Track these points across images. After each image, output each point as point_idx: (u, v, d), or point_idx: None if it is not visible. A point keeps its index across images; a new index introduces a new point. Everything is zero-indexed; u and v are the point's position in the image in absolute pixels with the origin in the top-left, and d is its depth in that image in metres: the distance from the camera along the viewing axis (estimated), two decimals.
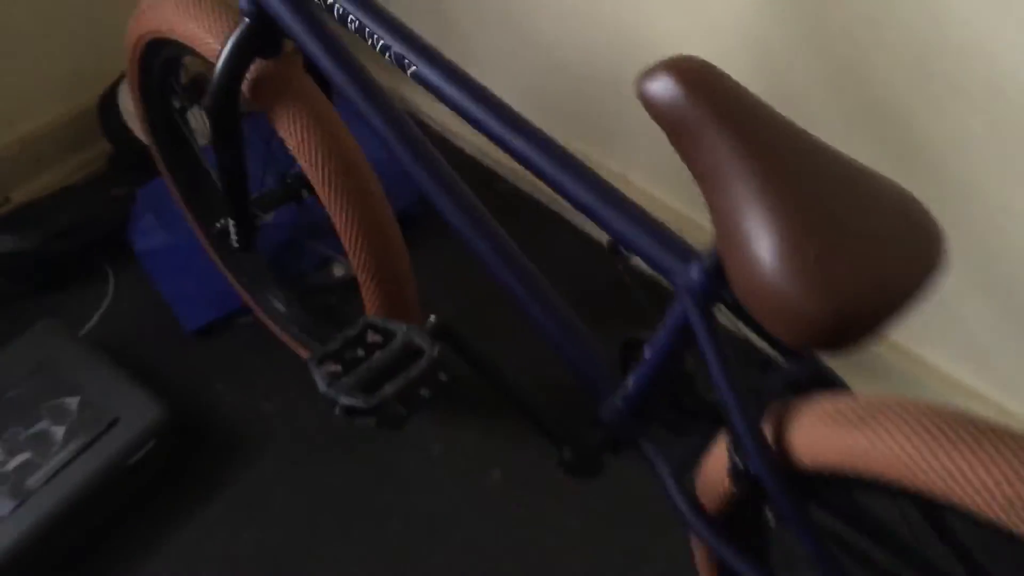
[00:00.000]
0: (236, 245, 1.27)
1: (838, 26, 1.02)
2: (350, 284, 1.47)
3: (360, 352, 0.91)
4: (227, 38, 1.04)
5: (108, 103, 1.69)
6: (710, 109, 0.64)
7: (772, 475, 0.75)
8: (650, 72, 0.65)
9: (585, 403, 0.95)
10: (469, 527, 1.28)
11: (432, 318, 0.91)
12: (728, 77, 0.65)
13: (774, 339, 0.81)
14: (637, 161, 1.16)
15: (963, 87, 0.95)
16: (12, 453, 1.30)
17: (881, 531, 0.84)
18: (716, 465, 0.84)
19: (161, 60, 1.26)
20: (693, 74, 0.65)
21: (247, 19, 1.01)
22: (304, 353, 1.44)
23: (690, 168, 0.66)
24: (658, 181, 1.10)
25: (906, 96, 1.02)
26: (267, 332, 1.49)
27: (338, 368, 0.90)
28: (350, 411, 0.86)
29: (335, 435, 1.39)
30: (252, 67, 1.06)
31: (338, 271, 1.53)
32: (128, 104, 1.67)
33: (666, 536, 1.22)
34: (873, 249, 0.63)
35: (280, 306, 1.46)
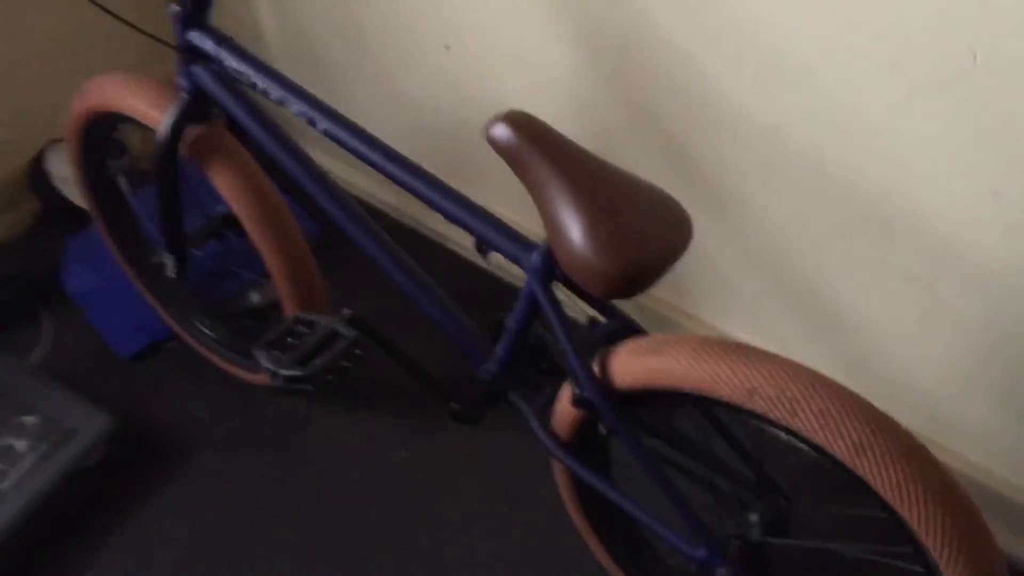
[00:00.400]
0: (173, 275, 1.53)
1: (635, 83, 1.38)
2: (264, 310, 1.76)
3: (292, 340, 1.20)
4: (167, 110, 1.32)
5: (36, 168, 1.92)
6: (533, 146, 0.96)
7: (599, 396, 1.07)
8: (492, 122, 0.97)
9: (465, 368, 1.26)
10: (383, 498, 1.55)
11: (345, 310, 1.21)
12: (544, 123, 0.98)
13: (594, 302, 1.14)
14: (491, 187, 1.48)
15: (721, 123, 1.31)
16: None
17: (682, 439, 1.18)
18: (564, 403, 1.16)
19: (99, 130, 1.52)
20: (520, 122, 0.97)
21: (185, 94, 1.29)
22: (230, 369, 1.70)
23: (525, 186, 0.98)
24: (507, 200, 1.42)
25: (685, 131, 1.37)
26: (193, 352, 1.74)
27: (278, 352, 1.18)
28: (290, 380, 1.15)
29: (260, 435, 1.65)
30: (187, 130, 1.34)
31: (255, 298, 1.80)
32: (56, 168, 1.91)
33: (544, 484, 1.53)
34: (645, 228, 0.96)
35: (206, 330, 1.71)
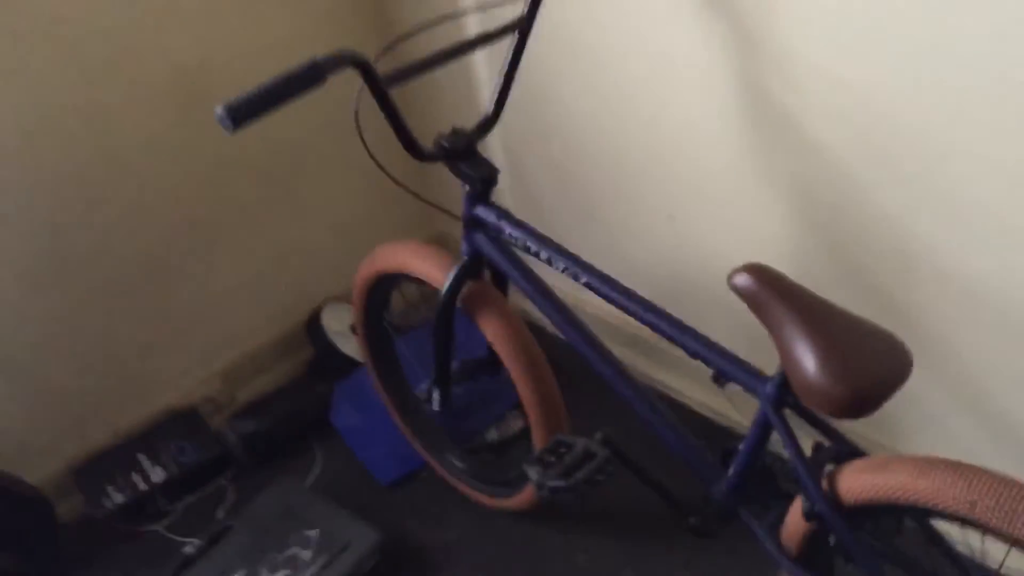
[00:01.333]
0: (438, 407, 1.78)
1: (839, 240, 1.57)
2: (500, 445, 1.99)
3: (554, 458, 1.41)
4: (448, 270, 1.60)
5: (314, 322, 2.28)
6: (772, 290, 1.17)
7: (829, 509, 1.22)
8: (735, 273, 1.19)
9: (699, 488, 1.44)
10: None
11: (598, 434, 1.42)
12: (778, 272, 1.18)
13: (820, 427, 1.30)
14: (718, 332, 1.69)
15: (921, 281, 1.48)
16: (274, 570, 1.78)
17: (907, 560, 1.30)
18: (795, 517, 1.31)
19: (382, 289, 1.84)
20: (759, 271, 1.18)
21: (466, 257, 1.58)
22: (475, 496, 1.92)
23: (764, 324, 1.18)
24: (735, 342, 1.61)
25: (887, 281, 1.54)
26: (442, 481, 1.98)
27: (542, 468, 1.40)
28: (555, 490, 1.35)
29: (502, 558, 1.84)
30: (464, 287, 1.62)
31: (492, 435, 2.03)
32: (330, 323, 2.26)
33: None
34: (871, 360, 1.13)
35: (455, 461, 1.96)
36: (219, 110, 1.11)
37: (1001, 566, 1.20)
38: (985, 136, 1.28)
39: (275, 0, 2.02)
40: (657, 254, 1.94)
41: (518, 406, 2.03)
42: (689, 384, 2.02)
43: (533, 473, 1.39)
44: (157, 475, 2.03)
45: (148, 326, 2.09)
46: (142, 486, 2.01)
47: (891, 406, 1.50)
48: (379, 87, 1.27)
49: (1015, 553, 1.14)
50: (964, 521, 1.12)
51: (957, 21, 1.22)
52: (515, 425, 2.06)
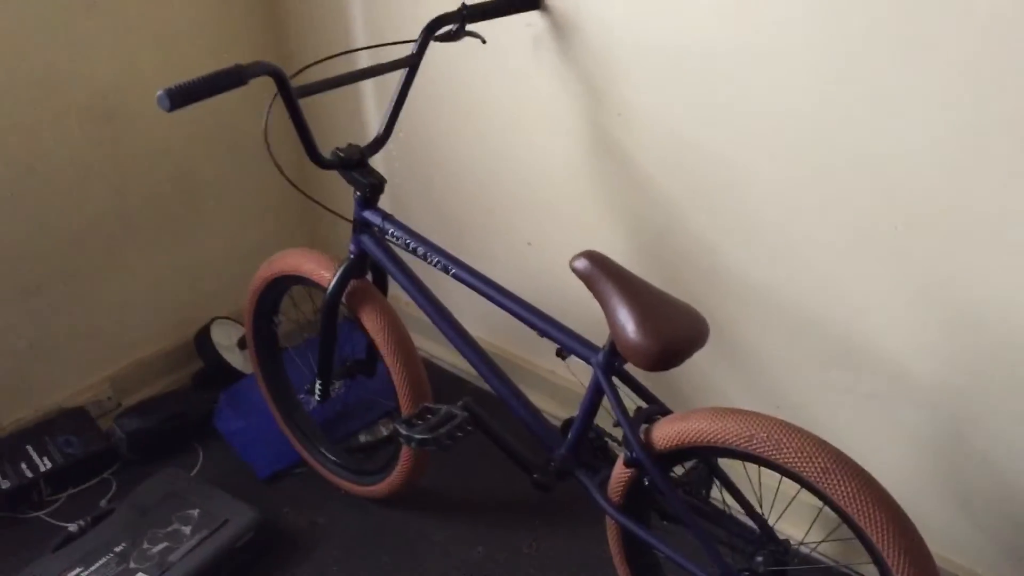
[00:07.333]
0: (318, 399, 1.95)
1: (663, 256, 1.86)
2: (368, 447, 2.16)
3: (420, 421, 1.61)
4: (335, 270, 1.80)
5: (203, 337, 2.41)
6: (602, 270, 1.42)
7: (645, 454, 1.45)
8: (575, 258, 1.44)
9: (542, 452, 1.66)
10: None
11: (461, 401, 1.63)
12: (609, 258, 1.44)
13: (641, 393, 1.55)
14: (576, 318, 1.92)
15: (724, 286, 1.77)
16: (155, 543, 1.87)
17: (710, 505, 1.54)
18: (618, 468, 1.54)
19: (272, 294, 2.02)
20: (594, 256, 1.43)
21: (352, 256, 1.79)
22: (345, 485, 2.08)
23: (596, 298, 1.43)
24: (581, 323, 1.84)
25: (699, 287, 1.83)
26: (316, 476, 2.13)
27: (409, 426, 1.59)
28: (422, 442, 1.55)
29: (367, 536, 1.99)
30: (348, 285, 1.82)
31: (363, 438, 2.20)
32: (219, 338, 2.40)
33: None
34: (678, 325, 1.39)
35: (329, 455, 2.11)
36: (160, 92, 1.31)
37: (776, 493, 1.45)
38: (774, 165, 1.60)
39: (186, 29, 2.23)
40: (519, 275, 2.19)
41: (387, 415, 2.24)
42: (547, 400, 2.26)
43: (403, 429, 1.58)
44: (43, 464, 2.10)
45: (43, 328, 2.18)
46: (28, 474, 2.08)
47: (692, 381, 1.80)
48: (291, 96, 1.49)
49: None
50: (745, 456, 1.38)
51: (745, 75, 1.55)
52: (383, 431, 2.25)
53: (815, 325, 1.67)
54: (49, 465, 2.10)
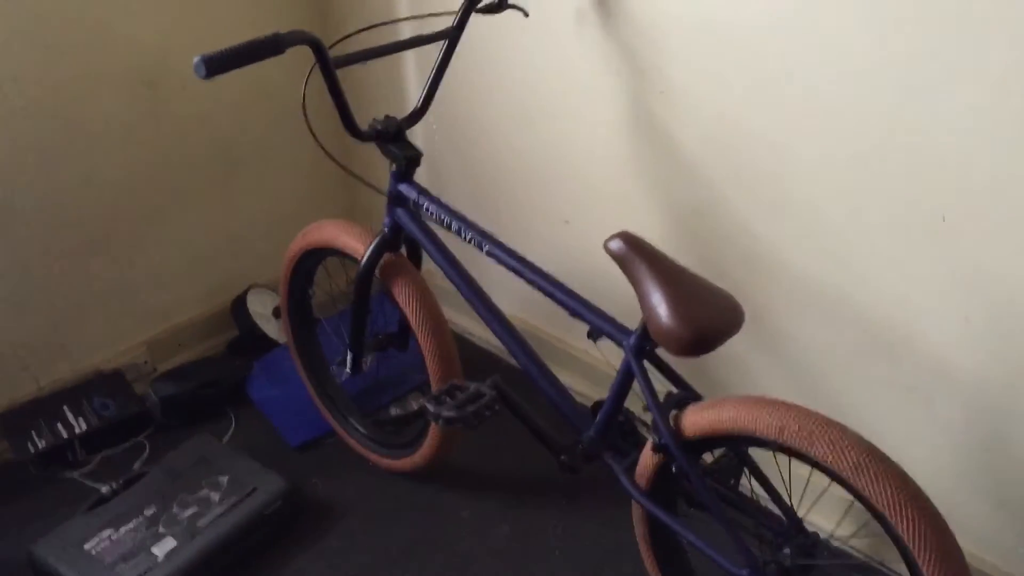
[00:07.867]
0: (349, 371, 1.95)
1: (700, 236, 1.82)
2: (399, 420, 2.16)
3: (448, 397, 1.60)
4: (369, 243, 1.79)
5: (239, 306, 2.42)
6: (637, 252, 1.39)
7: (673, 440, 1.43)
8: (610, 239, 1.41)
9: (571, 434, 1.64)
10: (484, 564, 1.87)
11: (489, 379, 1.61)
12: (644, 239, 1.41)
13: (672, 378, 1.52)
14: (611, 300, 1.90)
15: (760, 269, 1.73)
16: (185, 508, 1.89)
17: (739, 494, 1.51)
18: (646, 453, 1.52)
19: (307, 264, 2.01)
20: (629, 238, 1.40)
21: (386, 230, 1.77)
22: (374, 458, 2.08)
23: (630, 280, 1.40)
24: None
25: (734, 268, 1.79)
26: (346, 446, 2.13)
27: (438, 403, 1.58)
28: (449, 420, 1.54)
29: (393, 510, 1.99)
30: (382, 259, 1.81)
31: (394, 411, 2.20)
32: (254, 306, 2.41)
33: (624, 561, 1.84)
34: (711, 312, 1.36)
35: (360, 427, 2.12)
36: (196, 59, 1.30)
37: (806, 483, 1.41)
38: (819, 148, 1.55)
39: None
40: (556, 252, 2.16)
41: (418, 388, 2.23)
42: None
43: (430, 406, 1.57)
44: (79, 426, 2.13)
45: (83, 290, 2.20)
46: (64, 434, 2.11)
47: (725, 367, 1.76)
48: (329, 66, 1.47)
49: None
50: (777, 447, 1.35)
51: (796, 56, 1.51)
52: (413, 405, 2.24)
53: (856, 314, 1.63)
54: (84, 427, 2.13)
